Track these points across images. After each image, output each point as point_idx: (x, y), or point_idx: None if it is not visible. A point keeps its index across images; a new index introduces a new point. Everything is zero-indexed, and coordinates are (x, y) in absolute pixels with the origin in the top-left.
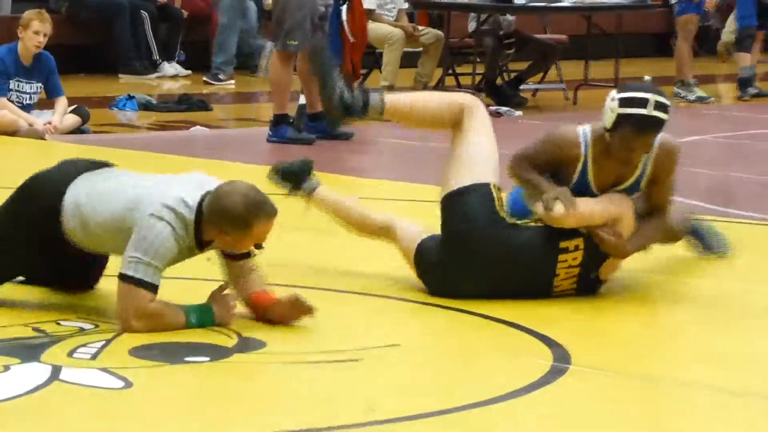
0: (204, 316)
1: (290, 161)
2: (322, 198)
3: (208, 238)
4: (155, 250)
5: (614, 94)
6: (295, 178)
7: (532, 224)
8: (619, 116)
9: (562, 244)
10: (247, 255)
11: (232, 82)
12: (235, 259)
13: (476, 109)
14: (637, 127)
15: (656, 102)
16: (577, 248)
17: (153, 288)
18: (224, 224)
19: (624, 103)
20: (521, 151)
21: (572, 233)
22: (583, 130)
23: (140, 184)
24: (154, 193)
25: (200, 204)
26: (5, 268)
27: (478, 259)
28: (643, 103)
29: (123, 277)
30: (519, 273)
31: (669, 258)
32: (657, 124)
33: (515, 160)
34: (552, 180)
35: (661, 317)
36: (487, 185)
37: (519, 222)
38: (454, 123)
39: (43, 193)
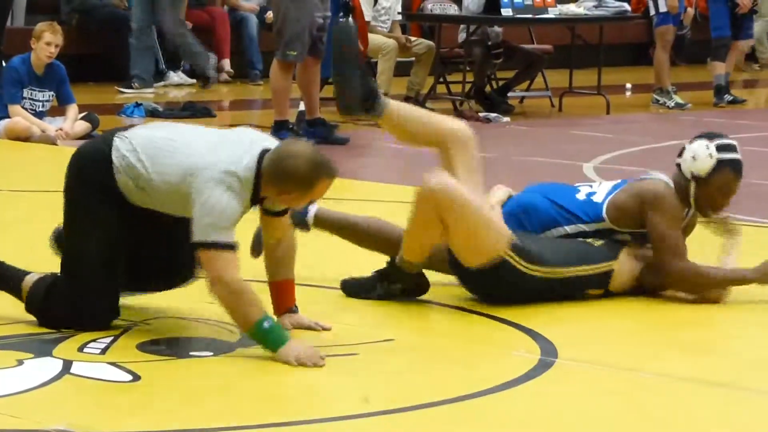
0: (278, 337)
1: None
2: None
3: (264, 195)
4: (221, 212)
5: (705, 142)
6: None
7: (555, 275)
8: (720, 162)
9: (590, 292)
10: (285, 212)
11: (152, 91)
12: (274, 215)
13: (466, 142)
14: (736, 171)
15: (737, 144)
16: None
17: (232, 248)
18: (287, 184)
19: (721, 149)
20: (673, 251)
21: (602, 283)
22: (668, 182)
23: (194, 150)
24: (210, 160)
25: (259, 162)
26: (112, 250)
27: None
28: (735, 148)
29: (202, 245)
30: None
31: None
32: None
33: (686, 271)
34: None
35: (648, 313)
36: (503, 259)
37: (542, 271)
38: (441, 145)
39: (93, 154)
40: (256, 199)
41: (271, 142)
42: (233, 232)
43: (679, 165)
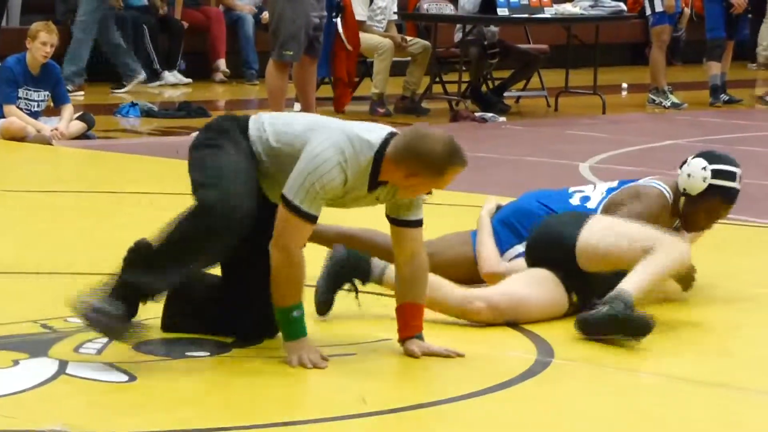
0: (298, 329)
1: None
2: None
3: (384, 179)
4: (321, 179)
5: (704, 163)
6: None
7: None
8: (711, 186)
9: None
10: (420, 223)
11: (81, 93)
12: (408, 225)
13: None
14: (727, 200)
15: (740, 176)
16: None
17: (312, 220)
18: (419, 165)
19: (717, 175)
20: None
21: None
22: (666, 191)
23: (323, 119)
24: (337, 124)
25: (384, 143)
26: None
27: None
28: (733, 176)
29: (287, 202)
30: None
31: None
32: (737, 196)
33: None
34: None
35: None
36: None
37: None
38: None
39: (232, 121)
40: (373, 183)
41: (397, 131)
42: (321, 204)
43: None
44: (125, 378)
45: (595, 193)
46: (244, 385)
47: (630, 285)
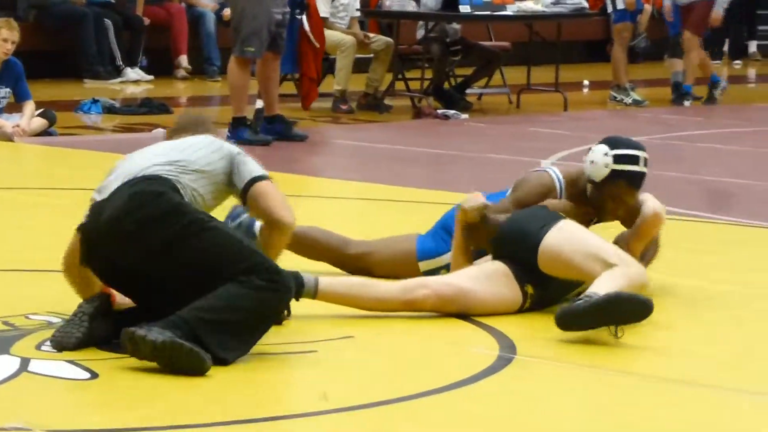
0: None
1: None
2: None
3: None
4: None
5: (606, 149)
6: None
7: None
8: (614, 172)
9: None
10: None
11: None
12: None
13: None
14: (631, 183)
15: (645, 159)
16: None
17: None
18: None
19: (619, 159)
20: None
21: None
22: (556, 175)
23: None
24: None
25: None
26: None
27: None
28: (636, 160)
29: (263, 177)
30: None
31: None
32: (644, 179)
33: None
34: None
35: None
36: None
37: None
38: None
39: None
40: None
41: None
42: None
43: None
44: (87, 375)
45: None
46: (206, 383)
47: (602, 291)
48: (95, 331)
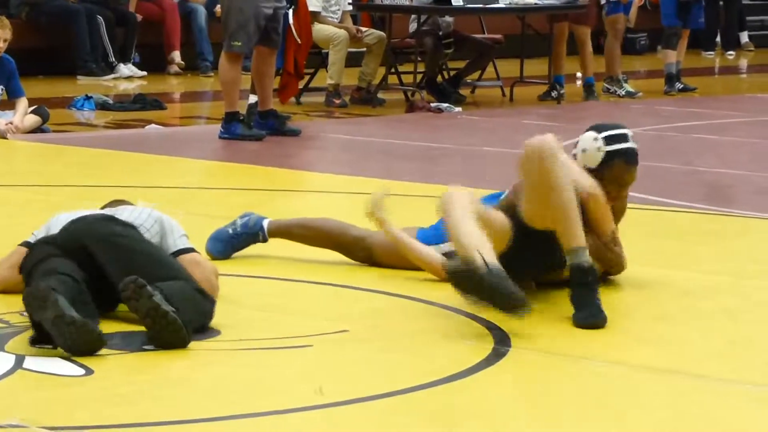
0: None
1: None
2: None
3: None
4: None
5: (594, 134)
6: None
7: None
8: (608, 154)
9: None
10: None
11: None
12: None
13: None
14: (628, 161)
15: (632, 135)
16: None
17: None
18: None
19: (610, 140)
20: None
21: None
22: None
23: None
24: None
25: None
26: None
27: None
28: (626, 138)
29: (191, 250)
30: None
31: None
32: (638, 155)
33: None
34: None
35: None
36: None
37: None
38: None
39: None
40: None
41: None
42: None
43: (575, 156)
44: (82, 372)
45: None
46: (202, 378)
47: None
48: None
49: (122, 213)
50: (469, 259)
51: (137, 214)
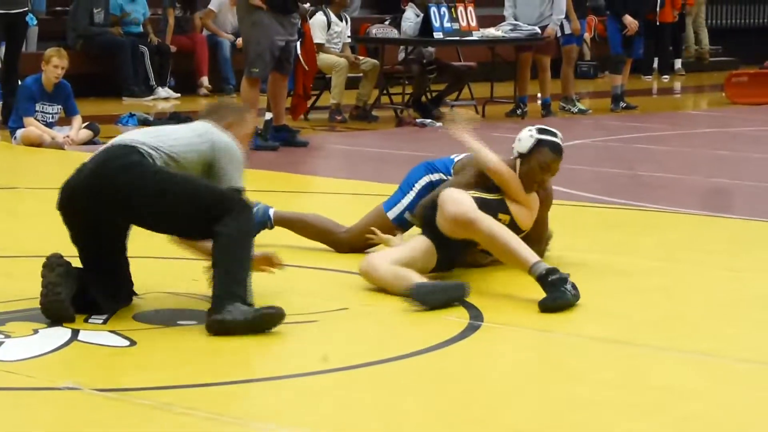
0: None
1: None
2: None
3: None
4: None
5: (530, 128)
6: None
7: None
8: (538, 141)
9: None
10: None
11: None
12: None
13: None
14: (554, 149)
15: (561, 137)
16: None
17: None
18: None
19: (540, 131)
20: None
21: None
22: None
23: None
24: (205, 125)
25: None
26: None
27: None
28: (554, 133)
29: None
30: None
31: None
32: (563, 151)
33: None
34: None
35: None
36: None
37: None
38: None
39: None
40: None
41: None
42: None
43: (513, 149)
44: (127, 343)
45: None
46: (226, 348)
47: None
48: (69, 293)
49: (161, 137)
50: (412, 288)
51: (183, 141)
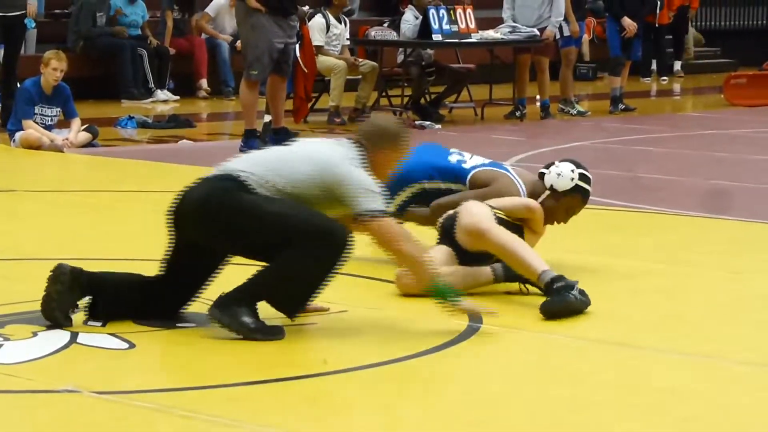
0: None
1: None
2: None
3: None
4: (375, 186)
5: (573, 167)
6: None
7: None
8: (577, 186)
9: None
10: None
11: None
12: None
13: None
14: (585, 199)
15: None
16: None
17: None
18: (383, 141)
19: (582, 178)
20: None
21: None
22: (518, 183)
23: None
24: (329, 154)
25: (357, 144)
26: None
27: None
28: (590, 182)
29: (373, 212)
30: None
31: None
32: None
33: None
34: None
35: None
36: None
37: None
38: None
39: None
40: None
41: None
42: None
43: (542, 174)
44: (126, 345)
45: (472, 160)
46: (226, 350)
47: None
48: (66, 307)
49: (275, 169)
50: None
51: (299, 177)
